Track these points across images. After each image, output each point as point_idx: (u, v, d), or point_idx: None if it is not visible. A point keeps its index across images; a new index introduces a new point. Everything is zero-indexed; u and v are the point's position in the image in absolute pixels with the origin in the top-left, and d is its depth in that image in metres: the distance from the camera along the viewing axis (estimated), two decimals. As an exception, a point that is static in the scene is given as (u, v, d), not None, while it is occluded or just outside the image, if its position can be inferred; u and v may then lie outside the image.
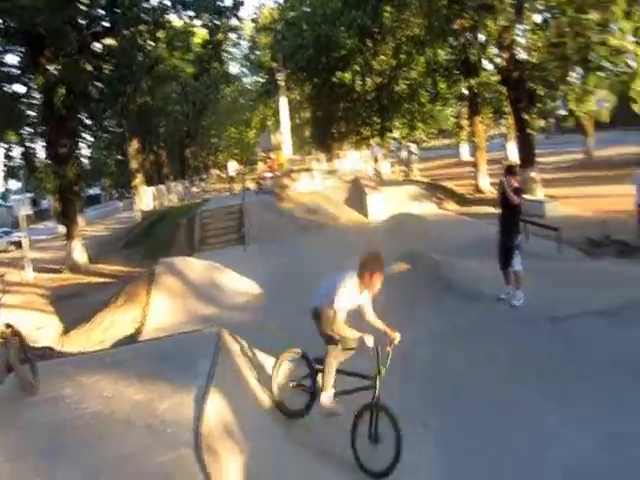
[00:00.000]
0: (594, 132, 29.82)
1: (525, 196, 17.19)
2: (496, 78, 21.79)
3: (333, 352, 5.40)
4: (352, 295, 5.34)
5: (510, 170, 9.50)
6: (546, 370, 6.47)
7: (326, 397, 5.37)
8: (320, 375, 5.54)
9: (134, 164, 32.25)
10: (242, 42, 47.46)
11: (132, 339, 9.10)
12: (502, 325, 8.05)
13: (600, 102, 19.38)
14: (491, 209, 12.07)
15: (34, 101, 20.95)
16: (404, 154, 31.98)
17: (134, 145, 32.38)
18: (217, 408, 4.66)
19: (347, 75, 30.79)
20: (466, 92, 23.75)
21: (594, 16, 16.03)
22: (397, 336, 5.20)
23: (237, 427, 4.72)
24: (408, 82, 30.36)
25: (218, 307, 10.35)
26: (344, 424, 5.29)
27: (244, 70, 54.99)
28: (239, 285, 11.64)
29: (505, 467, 5.08)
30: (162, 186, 32.26)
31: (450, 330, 8.22)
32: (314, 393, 5.60)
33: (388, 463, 4.89)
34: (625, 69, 16.53)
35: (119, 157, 45.00)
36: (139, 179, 32.07)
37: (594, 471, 4.79)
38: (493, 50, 20.99)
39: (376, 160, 29.97)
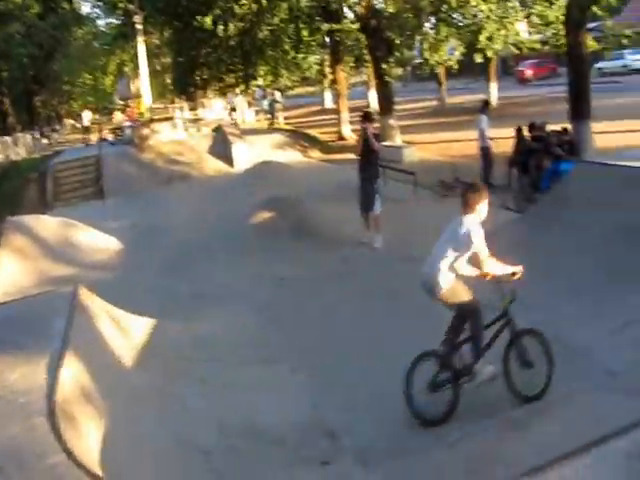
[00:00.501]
0: (446, 80, 31.33)
1: (384, 142, 17.95)
2: (356, 26, 22.01)
3: (477, 313, 4.89)
4: (481, 230, 4.84)
5: (367, 117, 9.79)
6: (390, 305, 6.99)
7: (488, 366, 4.94)
8: (461, 349, 4.97)
9: (-29, 113, 29.12)
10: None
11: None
12: (361, 267, 8.46)
13: (452, 51, 20.42)
14: (353, 155, 12.41)
15: None
16: (268, 102, 31.69)
17: (-29, 92, 29.13)
18: (73, 372, 4.44)
19: (208, 19, 29.50)
20: (328, 40, 23.77)
21: None
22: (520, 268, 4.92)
23: (96, 390, 4.55)
24: (271, 28, 29.75)
25: (75, 266, 9.80)
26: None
27: (97, 11, 50.67)
28: (98, 242, 11.06)
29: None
30: (7, 138, 29.37)
31: (312, 273, 8.47)
32: (457, 373, 4.90)
33: (545, 380, 4.80)
34: (473, 21, 17.40)
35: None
36: (-22, 130, 29.07)
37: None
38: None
39: (232, 109, 29.47)
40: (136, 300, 7.24)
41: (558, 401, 4.68)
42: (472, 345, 4.90)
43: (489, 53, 18.92)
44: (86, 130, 29.24)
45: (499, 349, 4.90)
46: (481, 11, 17.13)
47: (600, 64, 33.74)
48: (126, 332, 6.09)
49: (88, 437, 3.98)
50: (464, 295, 4.89)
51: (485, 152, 13.25)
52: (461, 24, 18.14)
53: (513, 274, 4.91)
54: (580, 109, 12.53)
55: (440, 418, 4.79)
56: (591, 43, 15.53)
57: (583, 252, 6.76)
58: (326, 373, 5.76)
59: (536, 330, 4.93)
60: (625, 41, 18.43)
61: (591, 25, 16.27)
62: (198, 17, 28.77)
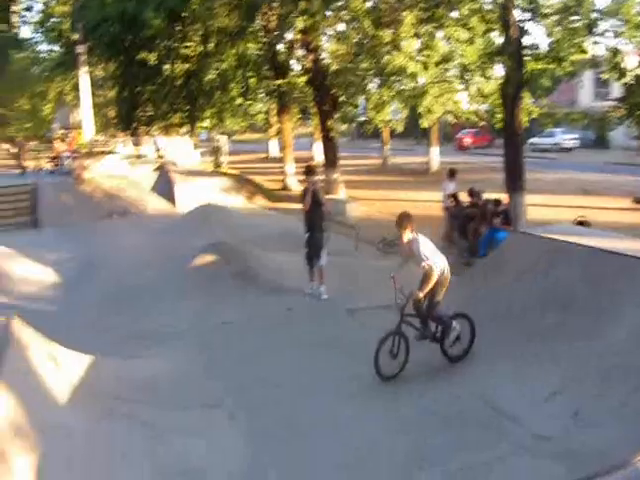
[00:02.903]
0: (390, 140, 32.51)
1: (328, 196, 18.30)
2: (303, 79, 22.60)
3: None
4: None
5: (311, 171, 10.02)
6: (341, 353, 7.14)
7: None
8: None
9: None
10: (37, 5, 42.70)
11: None
12: (305, 316, 8.54)
13: (396, 113, 21.23)
14: (298, 205, 12.59)
15: None
16: (214, 145, 31.78)
17: None
18: (6, 406, 4.30)
19: (152, 56, 29.56)
20: (275, 89, 24.25)
21: (386, 34, 17.30)
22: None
23: (29, 424, 4.40)
24: (218, 72, 30.09)
25: (8, 297, 9.35)
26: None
27: (38, 36, 49.62)
28: (33, 273, 10.65)
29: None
30: None
31: (255, 320, 8.47)
32: (439, 338, 6.62)
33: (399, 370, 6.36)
34: (415, 85, 18.16)
35: None
36: None
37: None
38: (300, 52, 21.75)
39: (158, 150, 29.46)
40: (73, 336, 7.04)
41: (492, 462, 4.85)
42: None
43: (431, 118, 19.75)
44: (17, 156, 28.15)
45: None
46: (422, 77, 17.91)
47: (533, 139, 36.03)
48: (62, 368, 5.87)
49: (18, 473, 3.89)
50: None
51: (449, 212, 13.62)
52: (403, 88, 18.85)
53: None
54: (515, 181, 13.24)
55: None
56: (534, 109, 16.50)
57: (511, 318, 7.11)
58: (264, 417, 5.75)
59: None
60: (560, 120, 19.76)
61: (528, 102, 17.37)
62: (143, 53, 28.83)
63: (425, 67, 17.45)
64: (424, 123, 20.26)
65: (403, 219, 6.51)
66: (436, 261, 6.48)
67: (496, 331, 6.95)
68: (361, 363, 6.43)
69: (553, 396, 5.60)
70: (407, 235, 6.47)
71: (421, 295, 6.37)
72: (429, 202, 17.56)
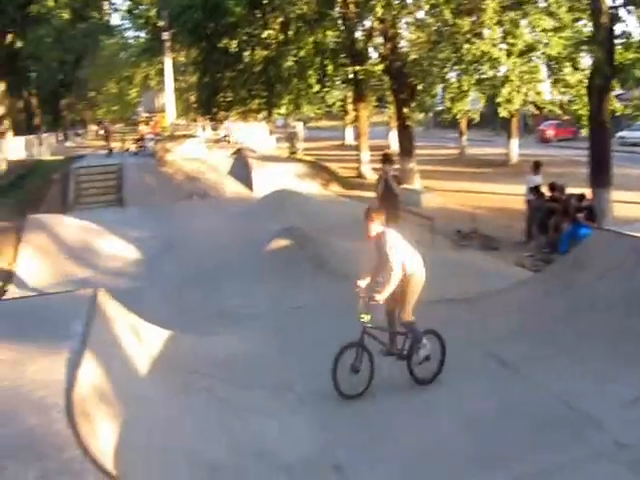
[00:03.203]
0: (467, 130, 31.72)
1: (403, 186, 18.10)
2: (380, 67, 22.34)
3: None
4: None
5: (387, 159, 9.90)
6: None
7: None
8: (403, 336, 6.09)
9: (0, 109, 29.62)
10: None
11: (-4, 297, 8.48)
12: (377, 305, 8.46)
13: (474, 102, 20.65)
14: (372, 193, 12.54)
15: None
16: (290, 131, 32.10)
17: (0, 87, 29.67)
18: (91, 372, 4.51)
19: (234, 43, 30.10)
20: (352, 77, 24.13)
21: (466, 22, 16.84)
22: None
23: (112, 392, 4.61)
24: (296, 59, 30.29)
25: (93, 270, 9.88)
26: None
27: (127, 23, 51.72)
28: (117, 249, 11.17)
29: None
30: (32, 137, 29.81)
31: (328, 305, 8.50)
32: (405, 355, 6.06)
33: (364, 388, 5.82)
34: (495, 74, 17.61)
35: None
36: (6, 125, 29.52)
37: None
38: (378, 39, 21.50)
39: (226, 135, 29.88)
40: (153, 311, 7.31)
41: (566, 466, 4.68)
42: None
43: (510, 108, 19.09)
44: (106, 138, 29.46)
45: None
46: (503, 64, 17.37)
47: (622, 133, 34.09)
48: (142, 340, 6.14)
49: (102, 437, 4.02)
50: None
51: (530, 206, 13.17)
52: (483, 77, 18.32)
53: None
54: (601, 176, 12.62)
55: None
56: (618, 106, 15.68)
57: (594, 319, 6.80)
58: (335, 404, 5.77)
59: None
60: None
61: (618, 92, 16.53)
62: (224, 40, 29.42)
63: (508, 55, 16.90)
64: (502, 113, 19.62)
65: (370, 210, 6.02)
66: (406, 260, 5.88)
67: (578, 328, 6.67)
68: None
69: (636, 402, 5.36)
70: (374, 228, 5.88)
71: (379, 299, 5.81)
72: (507, 195, 17.08)
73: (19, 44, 29.34)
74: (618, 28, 12.97)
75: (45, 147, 29.33)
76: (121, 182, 17.90)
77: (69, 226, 11.35)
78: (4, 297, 8.36)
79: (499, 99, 17.91)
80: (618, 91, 16.08)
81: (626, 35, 13.30)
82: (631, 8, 12.77)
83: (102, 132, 30.67)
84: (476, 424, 5.36)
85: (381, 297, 5.80)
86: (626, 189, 15.15)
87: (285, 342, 7.23)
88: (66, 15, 28.51)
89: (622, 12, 12.97)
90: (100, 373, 4.66)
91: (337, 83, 30.42)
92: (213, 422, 5.16)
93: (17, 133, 30.01)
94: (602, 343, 6.29)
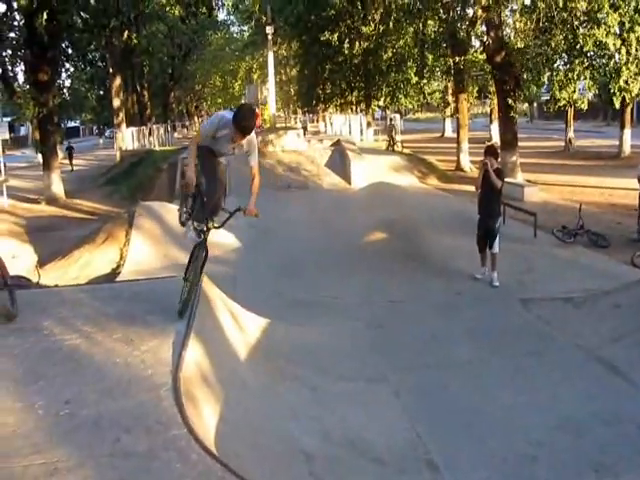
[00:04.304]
0: (575, 121, 30.11)
1: (506, 179, 17.48)
2: (483, 57, 21.61)
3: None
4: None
5: (491, 151, 9.56)
6: (510, 345, 6.75)
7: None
8: None
9: (116, 102, 31.48)
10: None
11: (109, 279, 9.05)
12: (474, 302, 8.29)
13: (583, 90, 19.51)
14: (471, 187, 12.21)
15: (15, 22, 20.25)
16: (388, 123, 31.85)
17: (117, 82, 31.53)
18: (196, 354, 4.72)
19: (335, 36, 30.25)
20: (452, 67, 23.52)
21: (581, 4, 15.96)
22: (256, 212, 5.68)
23: (214, 375, 4.79)
24: (395, 50, 29.96)
25: (197, 257, 10.31)
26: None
27: (232, 18, 53.43)
28: (218, 236, 11.58)
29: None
30: (144, 128, 31.57)
31: (422, 301, 8.42)
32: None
33: None
34: (609, 62, 16.60)
35: (101, 92, 44.01)
36: (121, 118, 31.42)
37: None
38: (481, 28, 20.80)
39: (305, 127, 29.89)
40: (249, 298, 7.52)
41: None
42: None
43: (626, 97, 17.92)
44: None
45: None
46: (620, 52, 16.33)
47: None
48: (242, 327, 6.35)
49: (206, 417, 4.20)
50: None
51: None
52: (596, 63, 17.30)
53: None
54: None
55: None
56: None
57: None
58: (430, 400, 5.70)
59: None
60: None
61: None
62: (326, 33, 29.61)
63: (624, 41, 15.86)
64: (617, 102, 18.43)
65: None
66: None
67: None
68: (532, 357, 6.08)
69: None
70: None
71: None
72: (619, 189, 16.10)
73: (134, 41, 31.05)
74: None
75: (155, 138, 30.91)
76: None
77: (175, 213, 11.91)
78: (117, 279, 8.91)
79: (615, 87, 16.87)
80: None
81: None
82: None
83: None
84: (576, 429, 5.13)
85: None
86: None
87: (378, 335, 7.23)
88: (177, 12, 29.87)
89: None
90: (204, 356, 4.87)
91: (437, 74, 29.85)
92: (305, 409, 5.26)
93: (130, 124, 31.82)
94: None
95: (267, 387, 5.57)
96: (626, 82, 16.70)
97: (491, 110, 34.07)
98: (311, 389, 5.66)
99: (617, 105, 19.72)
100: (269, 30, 27.92)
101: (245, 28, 50.85)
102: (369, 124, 32.67)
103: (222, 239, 11.67)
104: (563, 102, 18.60)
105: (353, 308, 8.22)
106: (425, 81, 30.16)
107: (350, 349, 6.72)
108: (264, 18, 31.37)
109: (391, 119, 30.84)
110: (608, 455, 4.72)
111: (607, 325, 6.84)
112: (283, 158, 20.11)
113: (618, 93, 17.21)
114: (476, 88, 29.05)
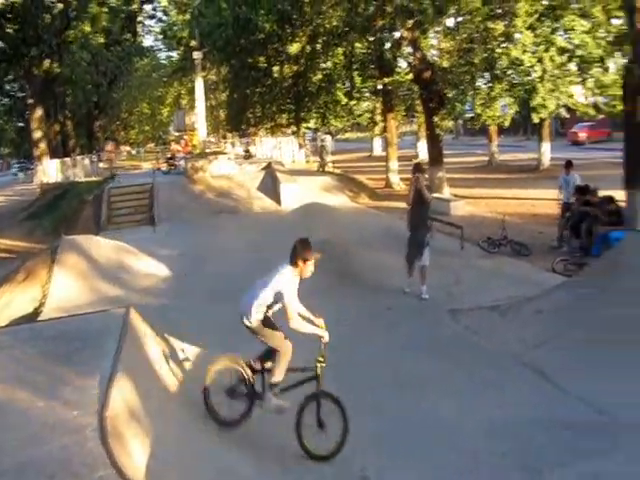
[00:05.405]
0: (498, 136, 31.40)
1: (432, 194, 17.99)
2: (409, 77, 22.33)
3: (287, 350, 5.27)
4: (294, 286, 5.23)
5: (418, 168, 9.94)
6: (442, 356, 6.91)
7: (274, 395, 5.32)
8: (264, 375, 5.43)
9: (37, 133, 30.47)
10: (159, 14, 45.58)
11: (31, 319, 8.68)
12: (407, 316, 8.46)
13: (504, 108, 20.50)
14: (401, 204, 12.52)
15: None
16: (318, 144, 32.28)
17: (37, 113, 30.55)
18: (123, 391, 4.60)
19: (263, 59, 30.53)
20: (380, 88, 24.18)
21: (499, 26, 16.86)
22: (325, 334, 5.24)
23: (143, 411, 4.69)
24: (325, 72, 30.55)
25: (125, 289, 10.06)
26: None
27: (159, 44, 53.04)
28: (147, 267, 11.38)
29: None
30: (67, 159, 30.66)
31: (358, 319, 8.52)
32: (255, 395, 5.44)
33: (335, 445, 5.07)
34: (527, 80, 17.52)
35: (20, 124, 42.57)
36: (42, 149, 30.41)
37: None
38: (407, 49, 21.52)
39: (247, 150, 30.12)
40: (181, 327, 7.41)
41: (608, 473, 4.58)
42: (269, 376, 5.31)
43: (542, 114, 18.95)
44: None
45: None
46: (535, 71, 17.29)
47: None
48: (172, 358, 6.24)
49: (134, 454, 4.10)
50: (274, 340, 5.25)
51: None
52: (515, 82, 18.26)
53: (321, 337, 5.18)
54: (635, 176, 12.36)
55: (231, 422, 5.32)
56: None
57: (632, 322, 6.65)
58: (363, 417, 5.74)
59: (335, 397, 5.13)
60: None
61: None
62: (255, 57, 29.82)
63: (539, 60, 16.81)
64: (536, 118, 19.47)
65: None
66: None
67: (615, 332, 6.54)
68: (462, 367, 6.28)
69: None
70: None
71: None
72: (539, 200, 16.84)
73: (56, 69, 30.26)
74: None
75: (79, 169, 30.04)
76: (152, 201, 18.23)
77: (101, 246, 11.61)
78: (39, 318, 8.57)
79: (533, 104, 17.82)
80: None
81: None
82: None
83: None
84: (510, 434, 5.30)
85: None
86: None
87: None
88: (102, 39, 29.39)
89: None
90: (131, 392, 4.75)
91: (365, 95, 30.55)
92: (242, 438, 5.21)
93: (53, 155, 30.86)
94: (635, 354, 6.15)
95: (200, 417, 5.49)
96: (543, 99, 17.65)
97: (418, 128, 35.06)
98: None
99: (536, 120, 20.77)
100: (197, 55, 27.86)
101: (173, 54, 50.51)
102: (300, 146, 33.00)
103: (152, 269, 11.48)
104: (487, 119, 19.46)
105: (289, 331, 8.19)
106: (354, 102, 30.82)
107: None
108: (193, 43, 31.32)
109: (322, 140, 31.30)
110: (543, 459, 4.89)
111: (531, 331, 7.13)
112: (213, 183, 20.01)
113: (536, 109, 18.17)
114: (404, 107, 29.85)
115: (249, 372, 5.43)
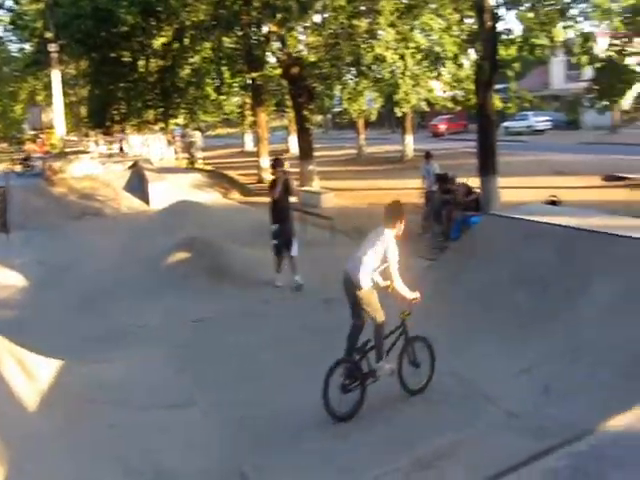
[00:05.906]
0: (365, 130, 32.49)
1: (303, 188, 18.26)
2: (278, 72, 22.45)
3: (382, 321, 5.59)
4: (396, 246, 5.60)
5: (280, 163, 10.06)
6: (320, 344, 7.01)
7: (386, 364, 5.67)
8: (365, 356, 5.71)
9: None
10: (8, 2, 41.95)
11: None
12: (281, 308, 8.54)
13: (370, 102, 21.27)
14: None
15: None
16: (188, 141, 31.57)
17: None
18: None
19: (126, 53, 29.19)
20: (250, 82, 24.05)
21: (363, 24, 17.43)
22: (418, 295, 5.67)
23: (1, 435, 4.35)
24: (193, 67, 29.82)
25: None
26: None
27: (10, 35, 48.76)
28: (2, 278, 10.50)
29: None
30: None
31: (230, 315, 8.44)
32: (365, 378, 5.62)
33: (426, 380, 5.81)
34: (390, 75, 18.25)
35: None
36: None
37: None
38: (276, 44, 21.60)
39: (121, 148, 29.19)
40: (41, 340, 6.92)
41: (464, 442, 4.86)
42: (376, 352, 5.69)
43: (404, 108, 19.86)
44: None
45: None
46: (397, 67, 18.05)
47: (506, 123, 36.43)
48: (30, 373, 5.79)
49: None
50: (377, 311, 5.62)
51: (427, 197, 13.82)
52: (379, 77, 18.96)
53: (413, 298, 5.67)
54: (487, 164, 13.30)
55: (349, 415, 5.45)
56: (497, 103, 16.68)
57: (485, 299, 7.19)
58: (240, 414, 5.70)
59: (424, 337, 5.86)
60: (527, 104, 20.12)
61: (499, 86, 17.60)
62: (118, 50, 28.40)
63: (401, 57, 17.55)
64: (399, 112, 20.37)
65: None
66: None
67: (469, 310, 7.06)
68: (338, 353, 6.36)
69: (524, 373, 5.71)
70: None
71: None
72: (405, 189, 17.60)
73: None
74: (500, 26, 13.90)
75: None
76: (5, 205, 16.83)
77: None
78: None
79: (397, 98, 18.61)
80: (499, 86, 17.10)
81: (508, 32, 14.27)
82: (510, 6, 13.72)
83: None
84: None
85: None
86: (511, 175, 16.08)
87: (186, 357, 7.08)
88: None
89: (503, 11, 13.95)
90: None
91: (235, 90, 30.22)
92: (108, 448, 4.96)
93: None
94: (490, 322, 6.65)
95: (64, 431, 5.15)
96: (405, 93, 18.47)
97: (289, 123, 35.36)
98: (109, 426, 5.34)
99: (399, 114, 21.73)
100: (53, 48, 26.07)
101: (26, 46, 46.70)
102: (169, 143, 32.06)
103: (7, 279, 10.62)
104: (353, 113, 20.03)
105: (160, 333, 7.96)
106: (224, 97, 30.38)
107: (154, 376, 6.47)
108: (48, 35, 29.18)
109: (190, 136, 30.63)
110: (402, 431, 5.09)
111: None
112: (75, 185, 18.87)
113: (399, 103, 19.00)
114: (274, 102, 29.90)
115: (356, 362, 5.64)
